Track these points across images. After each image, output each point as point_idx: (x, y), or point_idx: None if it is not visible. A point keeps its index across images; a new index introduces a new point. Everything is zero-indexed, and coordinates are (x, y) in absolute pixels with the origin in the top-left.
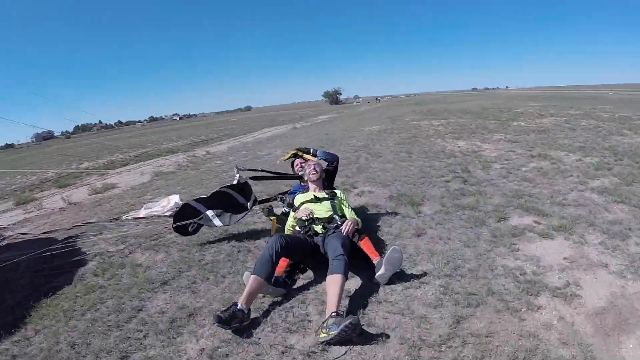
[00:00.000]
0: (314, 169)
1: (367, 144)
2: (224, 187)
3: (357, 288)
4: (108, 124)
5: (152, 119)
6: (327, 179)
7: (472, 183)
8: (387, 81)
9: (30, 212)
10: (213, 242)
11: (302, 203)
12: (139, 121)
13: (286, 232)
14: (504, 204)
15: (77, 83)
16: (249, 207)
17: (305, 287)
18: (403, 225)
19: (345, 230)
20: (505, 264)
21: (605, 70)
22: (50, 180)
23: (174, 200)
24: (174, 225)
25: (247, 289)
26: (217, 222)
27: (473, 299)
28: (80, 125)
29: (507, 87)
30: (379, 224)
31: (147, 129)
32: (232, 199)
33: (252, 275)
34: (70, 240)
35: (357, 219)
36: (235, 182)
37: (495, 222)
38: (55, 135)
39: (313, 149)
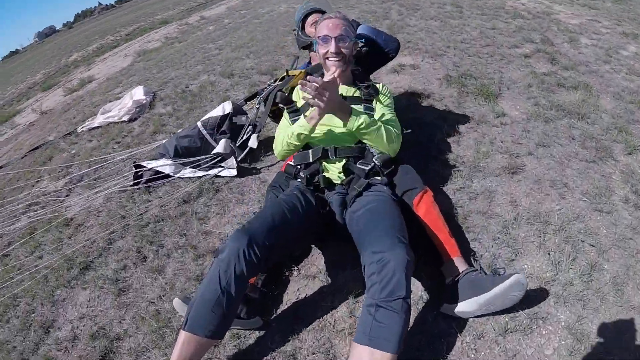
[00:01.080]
0: (335, 48)
1: None
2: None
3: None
4: (108, 4)
5: None
6: (364, 64)
7: (564, 65)
8: None
9: (3, 135)
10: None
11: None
12: None
13: (279, 154)
14: (623, 115)
15: None
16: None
17: (307, 303)
18: (480, 143)
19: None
20: None
21: None
22: (37, 85)
23: (136, 96)
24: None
25: (176, 351)
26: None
27: None
28: (80, 12)
29: None
30: (436, 135)
31: (147, 1)
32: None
33: (184, 333)
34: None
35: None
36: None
37: (625, 155)
38: (57, 29)
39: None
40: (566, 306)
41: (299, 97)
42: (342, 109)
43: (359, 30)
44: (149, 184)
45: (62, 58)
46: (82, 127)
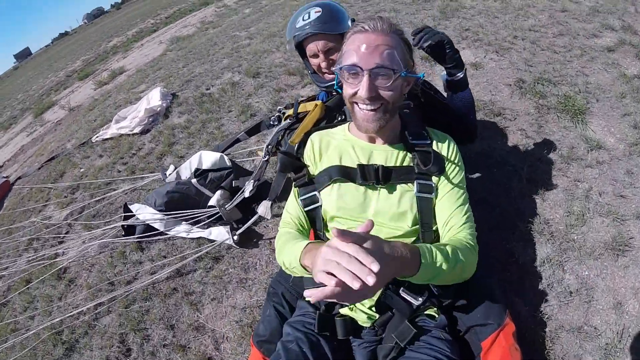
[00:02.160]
0: (368, 91)
1: None
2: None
3: None
4: None
5: None
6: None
7: None
8: None
9: (34, 132)
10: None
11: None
12: None
13: (280, 242)
14: None
15: None
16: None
17: None
18: (572, 197)
19: None
20: None
21: None
22: (76, 72)
23: (152, 100)
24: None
25: None
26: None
27: None
28: None
29: None
30: (512, 185)
31: None
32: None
33: None
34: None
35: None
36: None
37: None
38: (105, 10)
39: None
40: None
41: (313, 157)
42: (401, 265)
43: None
44: (140, 239)
45: (102, 43)
46: (97, 137)
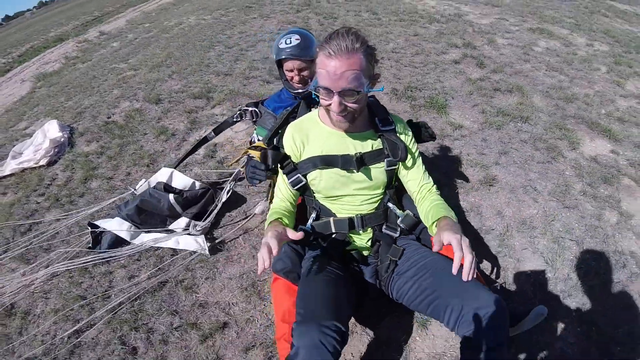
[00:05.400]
0: (338, 106)
1: (306, 0)
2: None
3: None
4: None
5: (42, 4)
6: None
7: (492, 68)
8: None
9: None
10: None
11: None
12: (28, 10)
13: (269, 222)
14: (556, 112)
15: None
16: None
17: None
18: (449, 159)
19: (468, 273)
20: (631, 249)
21: None
22: None
23: (50, 133)
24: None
25: None
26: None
27: None
28: None
29: None
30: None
31: (36, 17)
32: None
33: None
34: None
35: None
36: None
37: (570, 151)
38: None
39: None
40: (571, 298)
41: (295, 148)
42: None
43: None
44: (110, 251)
45: None
46: None
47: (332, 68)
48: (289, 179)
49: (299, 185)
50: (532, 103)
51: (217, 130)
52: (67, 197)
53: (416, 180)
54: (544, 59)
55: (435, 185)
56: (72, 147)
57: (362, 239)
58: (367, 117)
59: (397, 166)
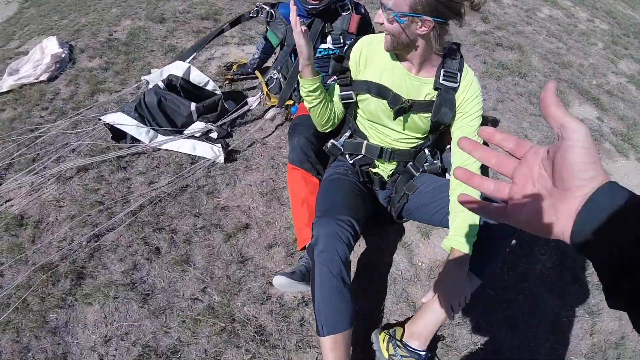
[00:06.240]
0: (378, 17)
1: None
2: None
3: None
4: None
5: None
6: None
7: (496, 25)
8: None
9: None
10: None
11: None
12: None
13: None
14: (551, 74)
15: None
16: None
17: (371, 262)
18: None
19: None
20: None
21: None
22: None
23: (50, 49)
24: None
25: (330, 358)
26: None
27: None
28: None
29: None
30: None
31: None
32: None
33: (328, 338)
34: None
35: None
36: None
37: None
38: None
39: None
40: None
41: (357, 65)
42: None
43: None
44: (126, 146)
45: None
46: None
47: None
48: (341, 92)
49: (347, 101)
50: (530, 62)
51: (234, 24)
52: (73, 110)
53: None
54: (545, 24)
55: (479, 166)
56: (74, 63)
57: (385, 167)
58: (437, 64)
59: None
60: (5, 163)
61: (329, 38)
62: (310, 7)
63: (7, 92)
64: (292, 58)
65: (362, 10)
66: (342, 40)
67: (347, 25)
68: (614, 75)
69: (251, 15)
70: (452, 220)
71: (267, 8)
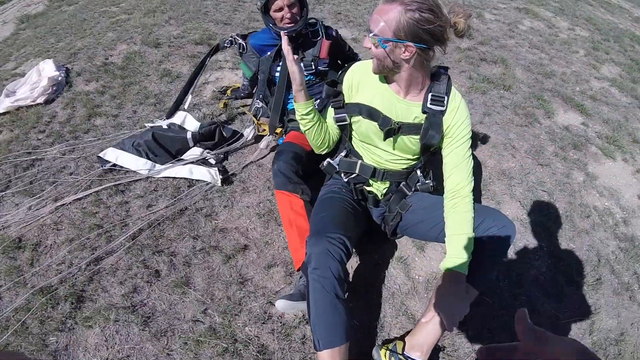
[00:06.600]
0: (366, 42)
1: None
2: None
3: None
4: None
5: None
6: None
7: (480, 40)
8: None
9: None
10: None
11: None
12: None
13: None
14: (535, 85)
15: None
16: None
17: (368, 277)
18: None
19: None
20: (594, 204)
21: None
22: None
23: (47, 71)
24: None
25: None
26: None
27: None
28: None
29: None
30: None
31: None
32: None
33: (326, 352)
34: None
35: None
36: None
37: (546, 119)
38: None
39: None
40: (543, 237)
41: (350, 89)
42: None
43: None
44: (123, 177)
45: None
46: None
47: (378, 8)
48: (335, 114)
49: (342, 123)
50: (514, 75)
51: (212, 54)
52: (71, 133)
53: (451, 165)
54: (527, 37)
55: (471, 189)
56: (70, 86)
57: (379, 187)
58: (425, 88)
59: (436, 140)
60: (2, 186)
61: (301, 65)
62: (281, 30)
63: (3, 113)
64: (268, 87)
65: (334, 34)
66: (314, 67)
67: (317, 51)
68: (597, 80)
69: (225, 45)
70: (448, 243)
71: (240, 40)
